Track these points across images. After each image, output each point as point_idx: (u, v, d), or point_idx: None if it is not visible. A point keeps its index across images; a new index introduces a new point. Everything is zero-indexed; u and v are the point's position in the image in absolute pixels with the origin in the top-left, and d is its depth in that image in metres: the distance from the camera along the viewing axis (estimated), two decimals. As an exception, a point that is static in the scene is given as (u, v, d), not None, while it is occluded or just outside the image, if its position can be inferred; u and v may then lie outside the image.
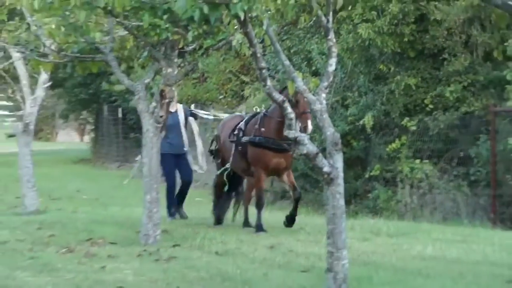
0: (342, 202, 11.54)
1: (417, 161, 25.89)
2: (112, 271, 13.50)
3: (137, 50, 16.43)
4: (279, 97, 11.60)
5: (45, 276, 13.18)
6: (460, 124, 26.14)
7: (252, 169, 17.74)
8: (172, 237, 16.73)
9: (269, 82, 11.54)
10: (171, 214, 19.54)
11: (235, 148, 17.98)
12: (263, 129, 17.29)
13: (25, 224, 19.51)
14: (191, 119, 19.83)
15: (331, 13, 11.65)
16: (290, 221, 17.59)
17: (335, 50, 11.91)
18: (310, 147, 11.48)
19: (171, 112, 18.35)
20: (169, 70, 15.94)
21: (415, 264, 13.86)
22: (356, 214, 22.46)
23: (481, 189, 25.15)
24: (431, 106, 26.88)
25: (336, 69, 12.39)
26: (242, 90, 34.60)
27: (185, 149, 19.19)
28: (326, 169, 11.43)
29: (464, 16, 26.49)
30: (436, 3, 26.84)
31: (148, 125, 16.31)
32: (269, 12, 11.54)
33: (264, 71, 11.58)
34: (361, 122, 27.11)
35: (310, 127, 16.52)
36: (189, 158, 19.05)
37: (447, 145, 26.39)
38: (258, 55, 11.56)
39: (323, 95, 11.66)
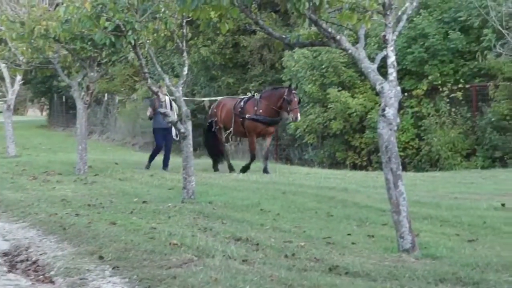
0: (191, 149, 11.89)
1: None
2: (59, 190, 13.45)
3: (73, 62, 16.33)
4: (155, 88, 11.90)
5: (20, 193, 13.10)
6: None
7: (247, 133, 17.05)
8: (94, 170, 16.65)
9: (149, 81, 11.81)
10: (149, 167, 17.57)
11: (237, 120, 16.98)
12: (260, 110, 16.49)
13: (8, 163, 19.29)
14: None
15: (184, 41, 11.92)
16: (244, 169, 16.69)
17: (187, 62, 12.20)
18: (173, 117, 11.79)
19: (162, 101, 17.44)
20: (92, 74, 16.02)
21: (232, 183, 14.13)
22: (200, 156, 22.45)
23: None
24: (242, 95, 27.10)
25: (187, 73, 12.54)
26: (135, 85, 34.26)
27: (168, 125, 16.77)
28: (182, 130, 11.76)
29: (259, 43, 26.79)
30: (243, 36, 27.06)
31: (80, 105, 16.49)
32: (148, 40, 11.66)
33: (146, 74, 11.84)
34: (202, 104, 27.23)
35: (299, 117, 16.57)
36: (173, 131, 17.15)
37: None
38: (143, 64, 11.78)
39: (180, 88, 11.94)
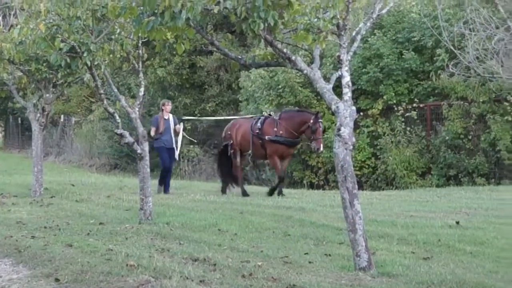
0: (148, 170, 11.86)
1: (191, 146, 25.95)
2: (14, 212, 13.37)
3: (29, 83, 16.15)
4: (111, 110, 11.80)
5: (-25, 215, 12.98)
6: (215, 124, 26.42)
7: (268, 156, 15.87)
8: (50, 192, 16.53)
9: (105, 102, 11.71)
10: (161, 190, 16.63)
11: (255, 142, 15.88)
12: (281, 132, 15.46)
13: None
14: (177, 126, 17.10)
15: (140, 62, 11.91)
16: (274, 192, 15.66)
17: (143, 83, 12.18)
18: (129, 139, 11.73)
19: (165, 119, 16.74)
20: (47, 95, 15.91)
21: (190, 204, 14.10)
22: (157, 177, 22.32)
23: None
24: (198, 115, 27.11)
25: (144, 94, 12.50)
26: (91, 106, 34.04)
27: (173, 146, 16.72)
28: (139, 151, 11.70)
29: (216, 64, 26.85)
30: (200, 56, 27.08)
31: (35, 127, 16.32)
32: (104, 61, 11.59)
33: (102, 95, 11.75)
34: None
35: (321, 149, 15.33)
36: (176, 153, 16.85)
37: (208, 136, 26.64)
38: (99, 86, 11.72)
39: (136, 109, 11.89)
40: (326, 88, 8.12)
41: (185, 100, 27.55)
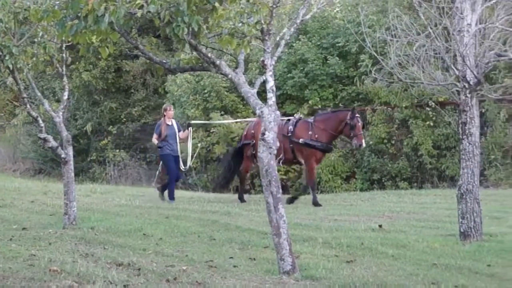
0: (72, 174, 11.72)
1: (117, 150, 25.81)
2: None
3: None
4: (34, 114, 11.62)
5: None
6: (141, 129, 26.25)
7: (301, 160, 14.90)
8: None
9: (28, 105, 11.53)
10: (172, 198, 15.64)
11: (285, 145, 14.72)
12: (316, 135, 14.61)
13: None
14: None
15: (64, 66, 11.76)
16: (315, 204, 14.37)
17: (67, 87, 12.02)
18: (53, 143, 11.57)
19: (168, 124, 15.86)
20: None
21: (115, 209, 13.97)
22: (82, 181, 22.08)
23: (153, 166, 25.37)
24: (124, 119, 26.86)
25: (69, 98, 12.35)
26: (15, 110, 33.32)
27: (178, 153, 15.90)
28: (63, 155, 11.55)
29: (142, 68, 26.66)
30: (125, 60, 26.84)
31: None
32: (27, 65, 11.39)
33: (25, 99, 11.57)
34: (85, 128, 26.82)
35: (363, 144, 14.63)
36: (189, 160, 16.29)
37: (134, 141, 26.41)
38: (22, 89, 11.53)
39: (60, 113, 11.73)
40: (250, 92, 8.14)
41: (111, 105, 27.23)
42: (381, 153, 19.94)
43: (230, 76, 8.20)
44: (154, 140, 15.97)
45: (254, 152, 14.91)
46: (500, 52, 10.17)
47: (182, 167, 16.14)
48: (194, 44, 7.93)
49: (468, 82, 9.75)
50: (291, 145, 14.87)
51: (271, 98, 8.09)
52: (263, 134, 7.96)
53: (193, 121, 17.45)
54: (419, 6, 10.54)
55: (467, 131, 9.84)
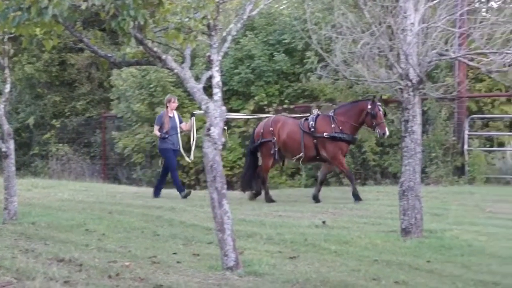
0: (13, 168, 11.55)
1: (60, 144, 25.50)
2: None
3: None
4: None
5: None
6: (85, 123, 26.00)
7: (325, 156, 14.39)
8: None
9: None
10: (180, 190, 15.59)
11: (308, 141, 14.42)
12: (340, 127, 14.21)
13: None
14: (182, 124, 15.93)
15: (6, 58, 11.57)
16: (355, 196, 14.06)
17: (9, 79, 11.82)
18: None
19: (170, 116, 15.63)
20: None
21: (57, 204, 13.83)
22: (24, 176, 21.78)
23: (96, 160, 25.18)
24: (68, 113, 26.54)
25: (11, 91, 12.16)
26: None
27: (178, 147, 15.65)
28: (3, 149, 11.40)
29: (87, 62, 26.37)
30: (70, 53, 26.51)
31: None
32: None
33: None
34: (27, 122, 26.45)
35: (387, 132, 14.22)
36: (192, 152, 15.82)
37: (78, 135, 26.11)
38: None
39: (2, 106, 11.57)
40: (196, 87, 8.12)
41: (55, 98, 26.86)
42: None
43: (176, 70, 8.17)
44: (156, 132, 15.66)
45: (277, 149, 14.80)
46: (441, 51, 10.32)
47: (188, 159, 15.98)
48: (140, 38, 7.88)
49: (411, 81, 9.86)
50: (314, 140, 14.47)
51: (217, 93, 8.08)
52: (208, 129, 7.94)
53: (196, 112, 17.10)
54: (364, 5, 10.63)
55: (409, 129, 9.95)
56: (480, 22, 10.82)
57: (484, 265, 8.29)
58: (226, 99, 19.56)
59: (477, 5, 13.09)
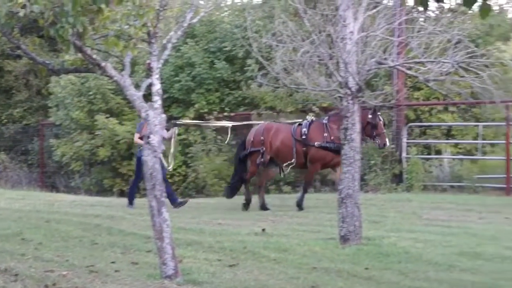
0: None
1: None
2: None
3: None
4: None
5: None
6: (22, 131, 25.63)
7: (310, 164, 14.21)
8: None
9: None
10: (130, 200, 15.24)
11: (299, 149, 14.19)
12: (332, 137, 13.93)
13: None
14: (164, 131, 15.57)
15: None
16: (299, 205, 14.04)
17: None
18: None
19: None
20: None
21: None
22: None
23: (34, 168, 24.86)
24: (5, 120, 26.14)
25: None
26: None
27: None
28: None
29: (25, 68, 25.99)
30: (8, 60, 26.10)
31: None
32: None
33: None
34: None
35: (387, 143, 14.30)
36: (171, 162, 15.67)
37: (15, 143, 25.72)
38: None
39: None
40: (136, 95, 8.09)
41: (-9, 105, 26.50)
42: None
43: (115, 78, 8.13)
44: (137, 140, 15.10)
45: (263, 160, 14.60)
46: (380, 60, 10.48)
47: (168, 168, 15.55)
48: (79, 46, 7.81)
49: (350, 89, 9.98)
50: (304, 148, 14.28)
51: (157, 101, 8.07)
52: (148, 137, 7.92)
53: (179, 121, 16.87)
54: (304, 13, 10.73)
55: (348, 137, 10.07)
56: (418, 32, 11.03)
57: (421, 272, 8.42)
58: (166, 107, 19.49)
59: (415, 14, 13.25)
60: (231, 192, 15.23)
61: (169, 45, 8.42)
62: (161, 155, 14.99)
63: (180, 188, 21.02)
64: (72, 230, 11.38)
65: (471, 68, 11.01)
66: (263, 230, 11.17)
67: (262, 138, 14.66)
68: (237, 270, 8.43)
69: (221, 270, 8.38)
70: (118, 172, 22.08)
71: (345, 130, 10.10)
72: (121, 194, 21.55)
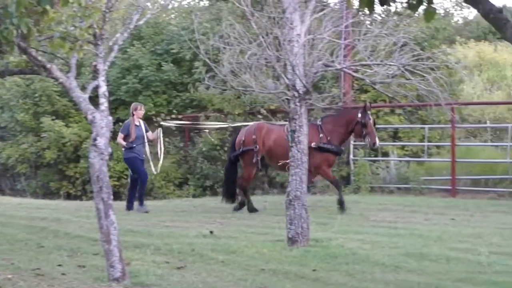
0: None
1: None
2: None
3: None
4: None
5: None
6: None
7: (316, 167, 13.81)
8: None
9: None
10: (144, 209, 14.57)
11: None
12: (329, 138, 13.87)
13: None
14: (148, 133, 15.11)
15: None
16: (341, 203, 13.69)
17: None
18: None
19: (136, 125, 14.81)
20: None
21: None
22: None
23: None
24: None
25: None
26: None
27: (144, 156, 14.88)
28: None
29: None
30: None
31: None
32: None
33: None
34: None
35: (377, 142, 14.04)
36: (160, 163, 15.40)
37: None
38: None
39: None
40: (82, 97, 8.05)
41: None
42: (214, 159, 20.09)
43: (61, 80, 8.07)
44: (120, 140, 14.89)
45: (259, 159, 14.36)
46: (327, 62, 10.58)
47: (154, 170, 15.34)
48: (24, 47, 7.74)
49: (298, 91, 10.05)
50: None
51: (103, 103, 8.02)
52: (95, 139, 7.88)
53: (164, 123, 16.60)
54: (252, 16, 10.75)
55: (296, 139, 10.14)
56: (365, 34, 11.14)
57: (368, 273, 8.52)
58: (113, 109, 19.39)
59: (361, 17, 13.42)
60: (230, 197, 14.89)
61: (116, 47, 8.39)
62: (148, 156, 15.23)
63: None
64: (18, 233, 11.27)
65: (417, 71, 11.20)
66: (211, 232, 11.18)
67: (254, 137, 14.50)
68: (185, 272, 8.44)
69: (169, 272, 8.38)
70: (65, 175, 21.88)
71: (292, 132, 10.16)
72: (68, 196, 21.37)
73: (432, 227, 11.83)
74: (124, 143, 14.76)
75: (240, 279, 8.09)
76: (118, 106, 21.30)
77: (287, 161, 13.39)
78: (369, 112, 14.01)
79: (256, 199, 15.74)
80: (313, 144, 13.58)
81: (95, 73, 8.18)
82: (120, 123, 20.71)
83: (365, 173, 17.92)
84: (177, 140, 20.90)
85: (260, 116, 18.97)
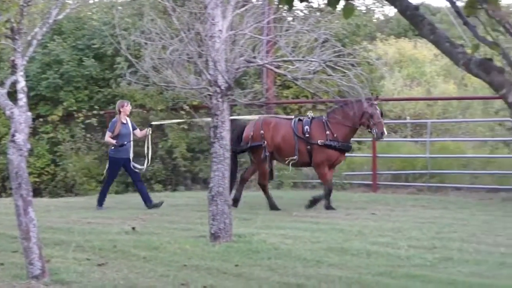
0: None
1: None
2: None
3: None
4: None
5: None
6: None
7: (316, 165, 13.72)
8: None
9: None
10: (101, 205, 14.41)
11: (302, 147, 13.57)
12: (335, 134, 13.51)
13: None
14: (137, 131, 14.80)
15: None
16: (314, 202, 13.52)
17: None
18: None
19: (123, 123, 14.44)
20: None
21: None
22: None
23: None
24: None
25: None
26: None
27: (130, 155, 14.54)
28: None
29: None
30: None
31: None
32: None
33: None
34: None
35: (385, 132, 13.61)
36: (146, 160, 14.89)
37: None
38: None
39: None
40: (0, 93, 7.91)
41: None
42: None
43: (-23, 75, 7.93)
44: (108, 139, 14.60)
45: (267, 154, 13.93)
46: (249, 58, 10.64)
47: (138, 167, 14.87)
48: None
49: (220, 87, 10.08)
50: (308, 147, 13.72)
51: (22, 99, 7.92)
52: (13, 135, 7.77)
53: (153, 122, 16.21)
54: (173, 11, 10.74)
55: (218, 135, 10.17)
56: (286, 30, 11.26)
57: (289, 268, 8.60)
58: (33, 105, 19.10)
59: (283, 13, 13.51)
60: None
61: (34, 42, 8.27)
62: (130, 156, 14.90)
63: (49, 187, 20.62)
64: None
65: (338, 67, 11.36)
66: (133, 228, 11.14)
67: (262, 132, 14.08)
68: (106, 269, 8.39)
69: (90, 269, 8.32)
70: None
71: (214, 128, 10.19)
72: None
73: (353, 222, 12.01)
74: (113, 141, 14.53)
75: (162, 275, 8.08)
76: (39, 101, 20.98)
77: (294, 158, 13.79)
78: (375, 103, 13.67)
79: (179, 195, 15.73)
80: (319, 142, 13.59)
81: (13, 68, 8.05)
82: (40, 119, 20.55)
83: (288, 169, 18.04)
84: (98, 136, 20.69)
85: (182, 112, 18.93)
